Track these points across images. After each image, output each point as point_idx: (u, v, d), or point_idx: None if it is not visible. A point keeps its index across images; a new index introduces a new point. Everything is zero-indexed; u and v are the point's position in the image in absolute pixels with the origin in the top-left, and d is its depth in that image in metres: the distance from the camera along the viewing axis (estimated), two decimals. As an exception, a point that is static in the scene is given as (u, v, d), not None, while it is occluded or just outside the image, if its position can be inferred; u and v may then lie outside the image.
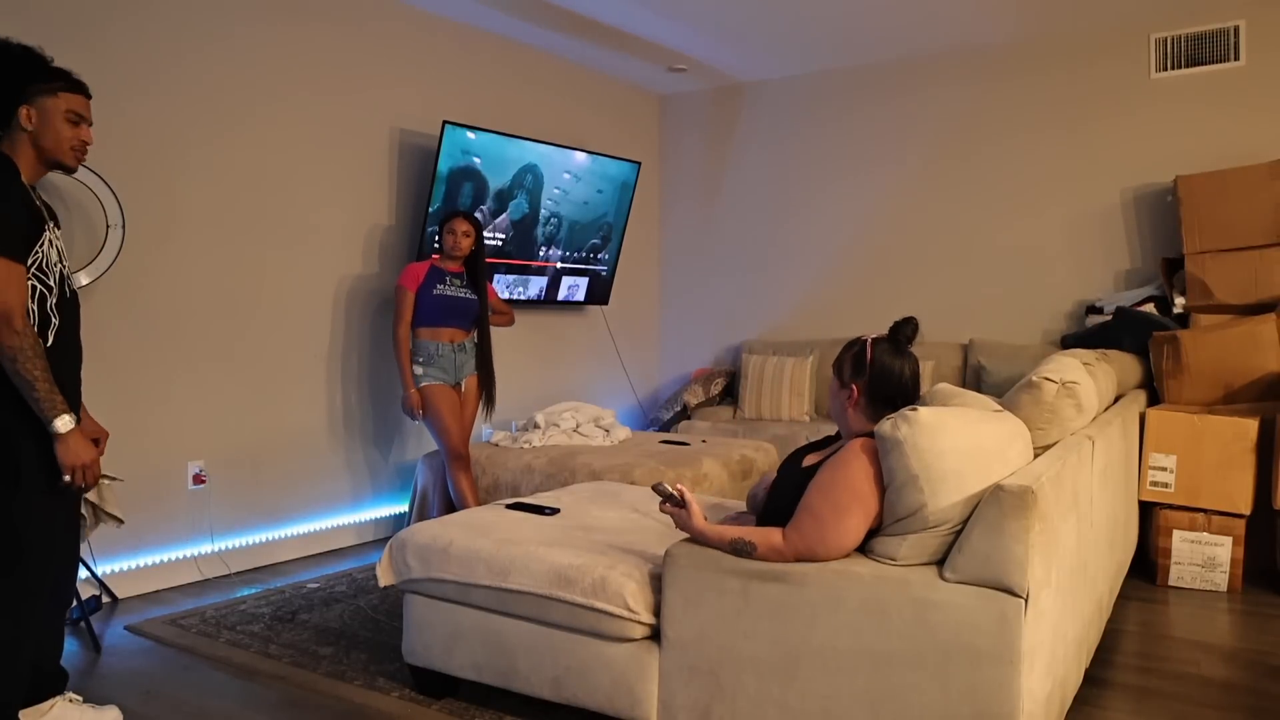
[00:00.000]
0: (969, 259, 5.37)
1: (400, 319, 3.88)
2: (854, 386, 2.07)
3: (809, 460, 2.13)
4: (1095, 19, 4.87)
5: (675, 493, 2.13)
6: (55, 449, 2.10)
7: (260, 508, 4.05)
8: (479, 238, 3.99)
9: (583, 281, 5.54)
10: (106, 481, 2.65)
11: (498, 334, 4.29)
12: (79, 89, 2.28)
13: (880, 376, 2.05)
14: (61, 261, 2.24)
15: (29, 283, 2.12)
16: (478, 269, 4.02)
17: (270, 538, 4.08)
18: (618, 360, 6.06)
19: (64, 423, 2.10)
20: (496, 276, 4.92)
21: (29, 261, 2.13)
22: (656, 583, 2.15)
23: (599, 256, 5.59)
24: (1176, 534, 3.56)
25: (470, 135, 4.57)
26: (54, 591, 2.27)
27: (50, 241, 2.19)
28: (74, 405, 2.24)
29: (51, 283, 2.19)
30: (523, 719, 2.40)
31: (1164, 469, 3.59)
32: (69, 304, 2.26)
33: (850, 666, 1.89)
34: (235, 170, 3.91)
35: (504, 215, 4.92)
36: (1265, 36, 4.60)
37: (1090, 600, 2.45)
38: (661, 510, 2.17)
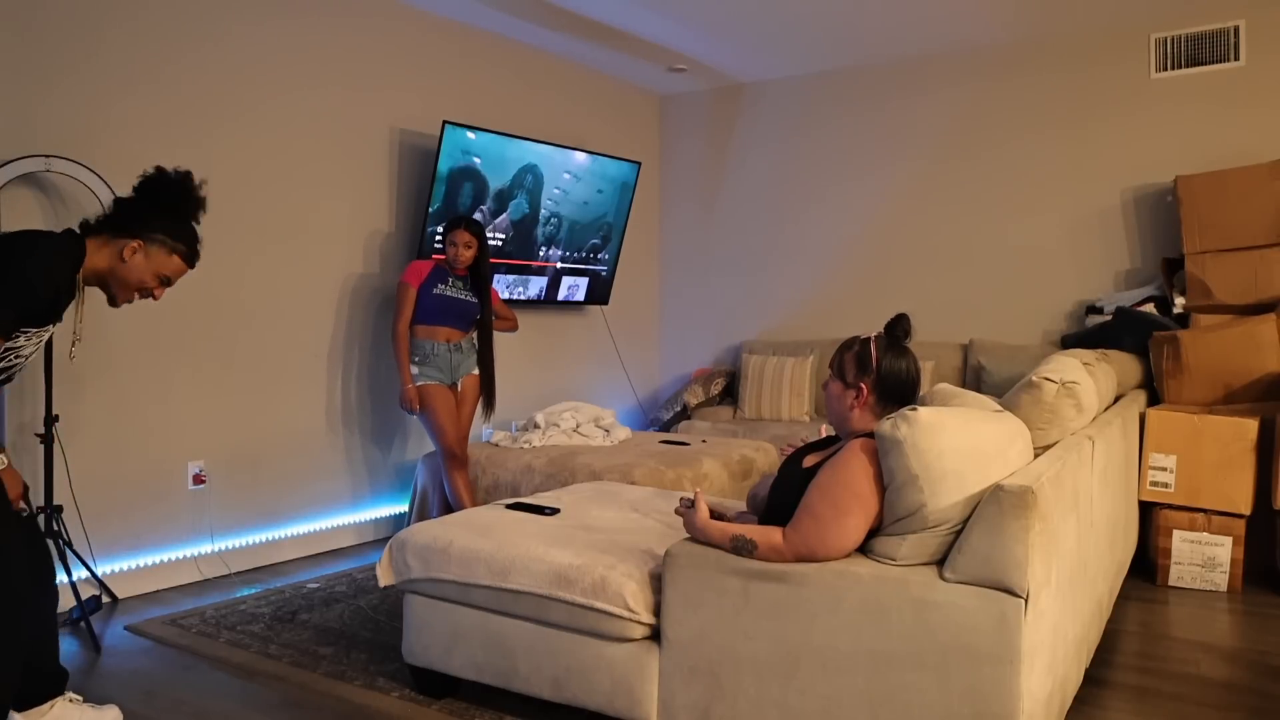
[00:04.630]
0: (969, 259, 5.37)
1: (400, 315, 3.89)
2: (862, 385, 2.06)
3: (809, 460, 2.13)
4: (1095, 19, 4.87)
5: (691, 496, 2.18)
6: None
7: (260, 508, 4.05)
8: (482, 245, 3.99)
9: (583, 281, 5.54)
10: None
11: (499, 335, 4.29)
12: (191, 262, 2.19)
13: (889, 373, 2.05)
14: (25, 355, 2.15)
15: None
16: (481, 273, 4.02)
17: (270, 538, 4.08)
18: (618, 360, 6.06)
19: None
20: (496, 277, 4.92)
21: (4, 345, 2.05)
22: (656, 583, 2.15)
23: (599, 256, 5.59)
24: (1176, 534, 3.56)
25: (470, 135, 4.57)
26: (39, 591, 2.21)
27: (37, 337, 2.11)
28: None
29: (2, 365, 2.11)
30: (523, 719, 2.40)
31: (1164, 469, 3.59)
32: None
33: (850, 666, 1.89)
34: (235, 169, 3.91)
35: (504, 215, 4.92)
36: (1265, 36, 4.60)
37: (1090, 600, 2.45)
38: (676, 514, 2.22)
